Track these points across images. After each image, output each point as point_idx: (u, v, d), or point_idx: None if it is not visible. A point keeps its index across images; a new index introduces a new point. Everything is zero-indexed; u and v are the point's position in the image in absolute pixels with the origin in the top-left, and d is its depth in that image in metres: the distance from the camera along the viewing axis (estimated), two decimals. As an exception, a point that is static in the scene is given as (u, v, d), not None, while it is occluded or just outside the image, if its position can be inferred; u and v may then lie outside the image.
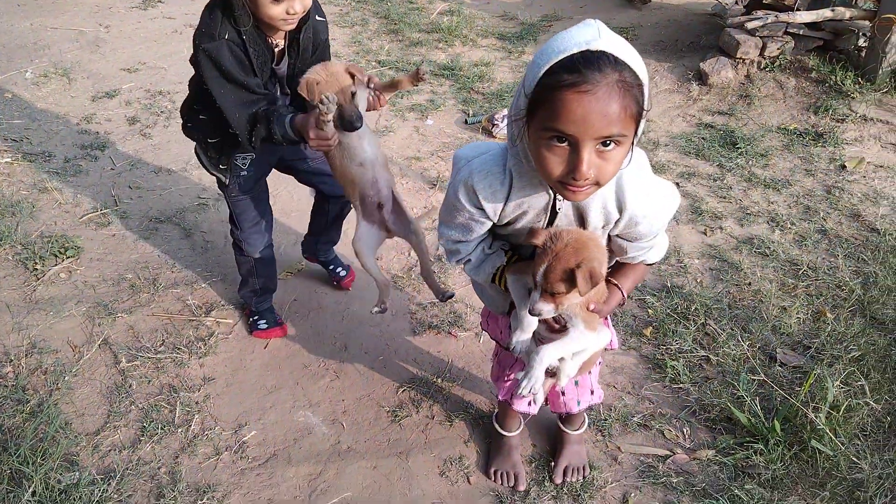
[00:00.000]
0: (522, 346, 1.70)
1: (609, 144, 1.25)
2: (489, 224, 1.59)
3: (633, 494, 2.16)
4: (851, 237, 3.40)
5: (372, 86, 2.18)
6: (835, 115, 4.37)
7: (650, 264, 1.72)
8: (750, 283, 3.06)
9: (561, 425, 2.23)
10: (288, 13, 1.98)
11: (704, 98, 4.73)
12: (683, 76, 4.93)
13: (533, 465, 2.26)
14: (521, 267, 1.66)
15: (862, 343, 2.66)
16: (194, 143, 2.42)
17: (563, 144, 1.26)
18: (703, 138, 4.30)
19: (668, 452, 2.30)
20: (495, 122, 4.33)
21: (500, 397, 2.03)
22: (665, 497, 2.16)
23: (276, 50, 2.17)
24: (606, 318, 1.82)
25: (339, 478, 2.21)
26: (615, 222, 1.53)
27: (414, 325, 2.84)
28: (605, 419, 2.41)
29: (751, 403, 2.37)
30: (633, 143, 1.31)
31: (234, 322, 2.84)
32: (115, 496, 2.09)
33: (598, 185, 1.33)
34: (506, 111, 4.38)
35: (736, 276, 3.12)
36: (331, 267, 3.03)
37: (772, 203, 3.68)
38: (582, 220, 1.54)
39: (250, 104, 2.09)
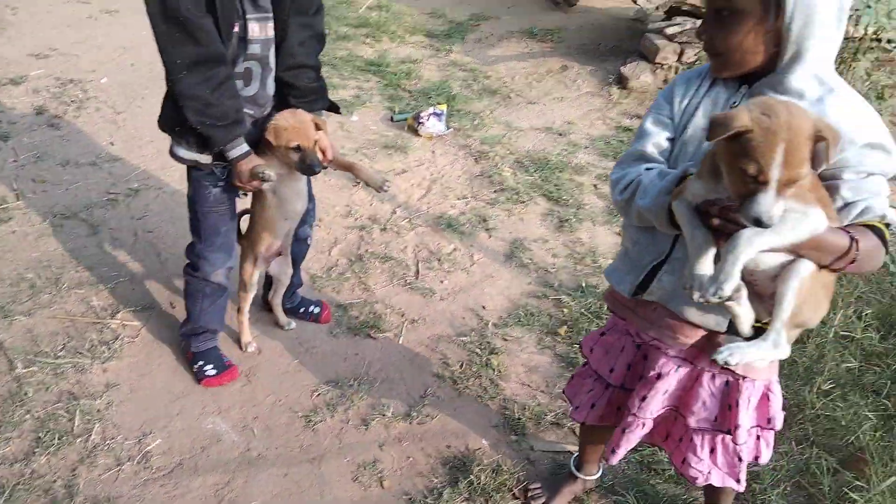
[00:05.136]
0: (736, 291, 1.22)
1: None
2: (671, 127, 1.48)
3: (543, 494, 2.19)
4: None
5: (330, 160, 2.23)
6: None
7: (881, 228, 1.29)
8: (662, 284, 3.15)
9: None
10: None
11: (624, 101, 4.85)
12: (604, 79, 5.05)
13: (447, 466, 2.27)
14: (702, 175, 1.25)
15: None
16: (169, 133, 2.10)
17: None
18: (621, 141, 4.40)
19: (577, 450, 2.35)
20: (421, 121, 4.32)
21: (584, 421, 1.85)
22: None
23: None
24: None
25: (248, 486, 2.15)
26: None
27: (331, 327, 2.80)
28: (519, 418, 2.44)
29: (658, 402, 2.44)
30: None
31: (140, 325, 2.72)
32: (5, 512, 1.98)
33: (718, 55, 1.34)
34: (431, 109, 4.37)
35: (649, 276, 3.20)
36: (302, 310, 2.80)
37: (685, 205, 3.80)
38: None
39: (203, 65, 1.77)
